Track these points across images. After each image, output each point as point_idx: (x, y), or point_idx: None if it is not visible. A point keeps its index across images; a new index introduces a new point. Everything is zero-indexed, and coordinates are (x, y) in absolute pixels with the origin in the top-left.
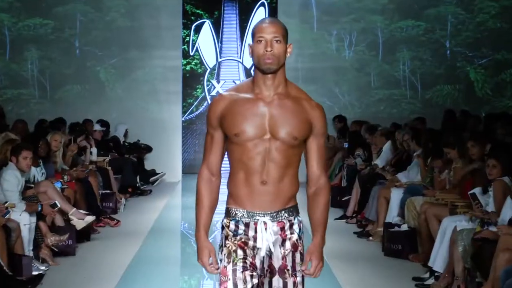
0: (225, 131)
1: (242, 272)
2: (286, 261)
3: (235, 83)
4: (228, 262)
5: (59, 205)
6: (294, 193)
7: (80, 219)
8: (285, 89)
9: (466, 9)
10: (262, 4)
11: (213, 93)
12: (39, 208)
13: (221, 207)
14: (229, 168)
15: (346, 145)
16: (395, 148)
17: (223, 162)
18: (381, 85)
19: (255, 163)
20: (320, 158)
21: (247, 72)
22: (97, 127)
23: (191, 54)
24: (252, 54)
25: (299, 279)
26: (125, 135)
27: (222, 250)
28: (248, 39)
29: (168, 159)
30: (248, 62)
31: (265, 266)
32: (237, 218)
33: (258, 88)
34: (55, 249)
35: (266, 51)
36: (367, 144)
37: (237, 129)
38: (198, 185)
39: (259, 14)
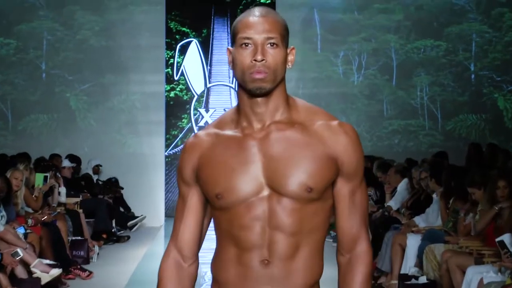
0: (203, 190)
1: None
2: None
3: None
4: None
5: (21, 254)
6: (315, 276)
7: (44, 272)
8: (287, 114)
9: (493, 27)
10: None
11: (201, 123)
12: None
13: None
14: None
15: None
16: (411, 187)
17: (208, 235)
18: (396, 114)
19: (250, 234)
20: (356, 211)
21: None
22: (66, 163)
23: (176, 78)
24: (233, 65)
25: None
26: (98, 172)
27: None
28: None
29: (148, 200)
30: None
31: None
32: None
33: (245, 118)
34: None
35: (255, 60)
36: (380, 183)
37: (218, 187)
38: (160, 273)
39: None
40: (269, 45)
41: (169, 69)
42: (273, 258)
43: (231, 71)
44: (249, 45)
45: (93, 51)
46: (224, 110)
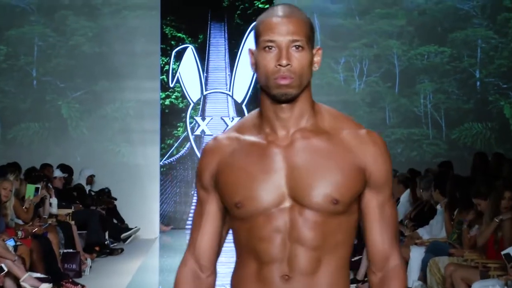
0: (222, 197)
1: None
2: None
3: (224, 120)
4: None
5: (5, 269)
6: None
7: (35, 286)
8: (313, 120)
9: (499, 32)
10: None
11: (197, 132)
12: None
13: None
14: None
15: None
16: (414, 198)
17: (225, 247)
18: (398, 122)
19: (270, 247)
20: (387, 225)
21: (238, 107)
22: (57, 173)
23: (171, 85)
24: (256, 68)
25: None
26: (89, 182)
27: None
28: (244, 67)
29: (143, 211)
30: (240, 95)
31: None
32: None
33: (268, 124)
34: None
35: (280, 65)
36: None
37: (238, 195)
38: (176, 283)
39: (253, 38)
40: (294, 48)
41: (164, 76)
42: (294, 273)
43: (228, 78)
44: (273, 48)
45: (86, 57)
46: (221, 118)
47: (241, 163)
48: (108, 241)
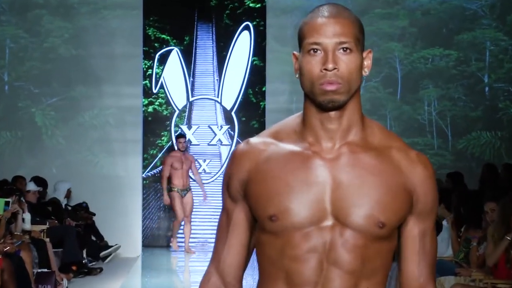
0: (253, 209)
1: None
2: None
3: (211, 129)
4: None
5: None
6: None
7: None
8: (362, 134)
9: (509, 34)
10: (247, 28)
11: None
12: None
13: None
14: (257, 273)
15: None
16: None
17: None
18: (401, 131)
19: (305, 268)
20: (426, 257)
21: (227, 115)
22: (31, 186)
23: (155, 91)
24: (300, 73)
25: None
26: (68, 196)
27: None
28: (233, 71)
29: (124, 227)
30: (229, 101)
31: None
32: None
33: (312, 133)
34: None
35: (326, 69)
36: None
37: (273, 207)
38: None
39: (243, 40)
40: (341, 51)
41: (147, 81)
42: None
43: (216, 83)
44: (318, 52)
45: (62, 60)
46: (209, 127)
47: (278, 172)
48: (86, 260)
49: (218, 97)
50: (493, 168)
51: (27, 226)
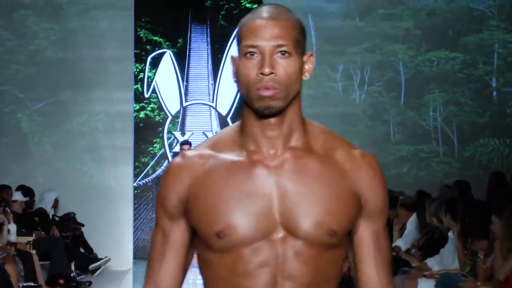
0: (196, 227)
1: None
2: None
3: (206, 135)
4: None
5: None
6: None
7: None
8: (304, 139)
9: None
10: None
11: (176, 149)
12: None
13: None
14: None
15: None
16: (423, 224)
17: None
18: (404, 138)
19: (257, 284)
20: (382, 259)
21: (222, 120)
22: (17, 196)
23: (147, 96)
24: (237, 77)
25: None
26: (55, 206)
27: None
28: (229, 75)
29: (114, 239)
30: (224, 107)
31: None
32: None
33: (252, 141)
34: None
35: (262, 74)
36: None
37: (220, 223)
38: None
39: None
40: (279, 54)
41: (138, 85)
42: None
43: (211, 87)
44: (255, 55)
45: (49, 63)
46: (203, 133)
47: (221, 185)
48: (74, 273)
49: (213, 102)
50: (501, 177)
51: (13, 237)
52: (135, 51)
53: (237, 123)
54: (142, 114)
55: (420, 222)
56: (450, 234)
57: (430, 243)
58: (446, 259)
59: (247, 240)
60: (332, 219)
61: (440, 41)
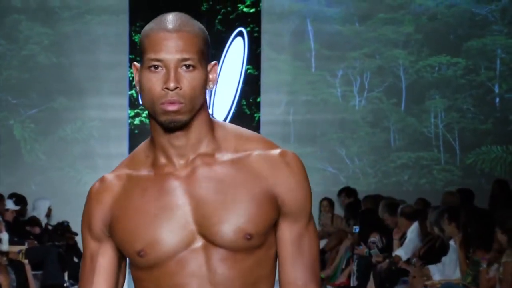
0: (121, 247)
1: None
2: None
3: None
4: None
5: None
6: None
7: None
8: (214, 144)
9: None
10: (240, 34)
11: None
12: None
13: None
14: None
15: (356, 229)
16: (424, 233)
17: None
18: (405, 145)
19: None
20: (303, 259)
21: None
22: (9, 204)
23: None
24: (141, 88)
25: None
26: (48, 215)
27: None
28: (226, 80)
29: None
30: (221, 113)
31: None
32: None
33: (162, 153)
34: None
35: (167, 88)
36: (386, 227)
37: (139, 242)
38: None
39: (236, 47)
40: (184, 68)
41: (133, 91)
42: None
43: (207, 92)
44: (159, 68)
45: (42, 69)
46: None
47: (138, 203)
48: (67, 283)
49: (209, 108)
50: (504, 185)
51: (5, 247)
52: (130, 56)
53: (149, 138)
54: (137, 121)
55: (422, 230)
56: (451, 243)
57: (431, 252)
58: (448, 269)
59: (169, 254)
60: (246, 223)
61: (442, 46)
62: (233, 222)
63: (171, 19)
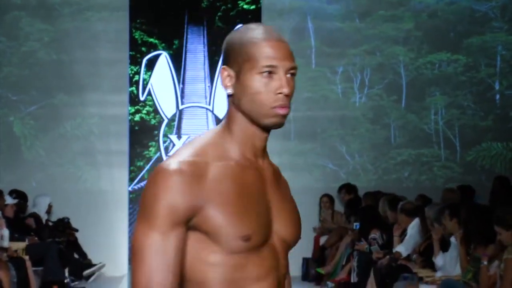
0: (217, 232)
1: None
2: None
3: None
4: None
5: None
6: None
7: None
8: (267, 153)
9: None
10: None
11: (172, 153)
12: None
13: None
14: None
15: (357, 225)
16: (425, 229)
17: None
18: (405, 142)
19: (266, 286)
20: None
21: (219, 123)
22: (9, 200)
23: (142, 99)
24: (243, 92)
25: None
26: (48, 211)
27: None
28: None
29: (109, 244)
30: (221, 110)
31: None
32: None
33: (250, 151)
34: None
35: (281, 93)
36: (386, 224)
37: (247, 227)
38: None
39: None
40: (289, 75)
41: (133, 88)
42: None
43: (208, 89)
44: (273, 74)
45: (42, 66)
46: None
47: (238, 190)
48: (68, 279)
49: (209, 105)
50: (505, 181)
51: (5, 243)
52: (130, 53)
53: (215, 132)
54: (137, 117)
55: (422, 226)
56: (452, 239)
57: (431, 249)
58: (449, 265)
59: (260, 245)
60: (299, 225)
61: (442, 43)
62: (298, 225)
63: (271, 29)
